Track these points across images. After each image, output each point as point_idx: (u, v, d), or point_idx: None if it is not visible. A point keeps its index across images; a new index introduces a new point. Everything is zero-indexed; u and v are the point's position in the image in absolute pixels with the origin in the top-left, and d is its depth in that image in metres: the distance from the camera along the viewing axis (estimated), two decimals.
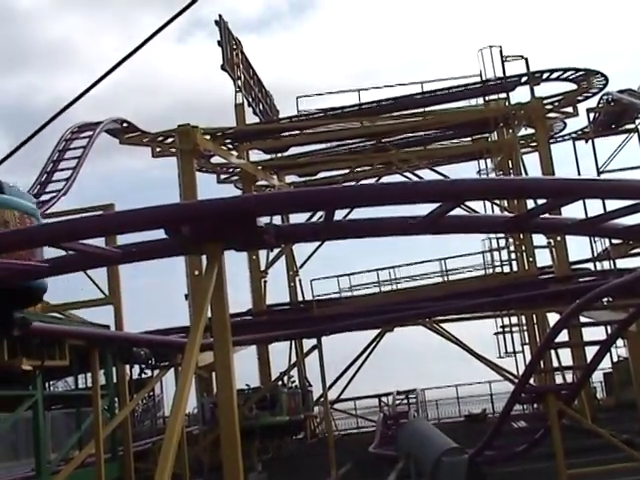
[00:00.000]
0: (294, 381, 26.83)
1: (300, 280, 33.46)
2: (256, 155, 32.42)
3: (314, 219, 20.38)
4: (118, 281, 20.28)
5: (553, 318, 23.61)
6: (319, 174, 35.26)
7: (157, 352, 16.62)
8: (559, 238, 26.63)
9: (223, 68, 29.20)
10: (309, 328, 19.98)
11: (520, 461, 14.14)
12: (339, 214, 7.95)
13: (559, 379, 23.70)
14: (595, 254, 26.04)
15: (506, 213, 24.11)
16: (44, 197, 22.78)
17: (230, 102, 30.72)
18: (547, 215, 8.38)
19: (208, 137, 27.78)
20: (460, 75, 29.88)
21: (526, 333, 28.94)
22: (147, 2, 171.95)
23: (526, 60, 28.95)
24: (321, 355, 18.09)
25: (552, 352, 22.04)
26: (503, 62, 28.80)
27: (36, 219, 9.63)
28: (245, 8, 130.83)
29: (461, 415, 33.31)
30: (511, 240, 29.12)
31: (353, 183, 30.44)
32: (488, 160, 30.56)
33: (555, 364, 22.95)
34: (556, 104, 30.42)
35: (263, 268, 31.93)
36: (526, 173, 29.23)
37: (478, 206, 25.25)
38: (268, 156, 33.04)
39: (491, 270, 30.26)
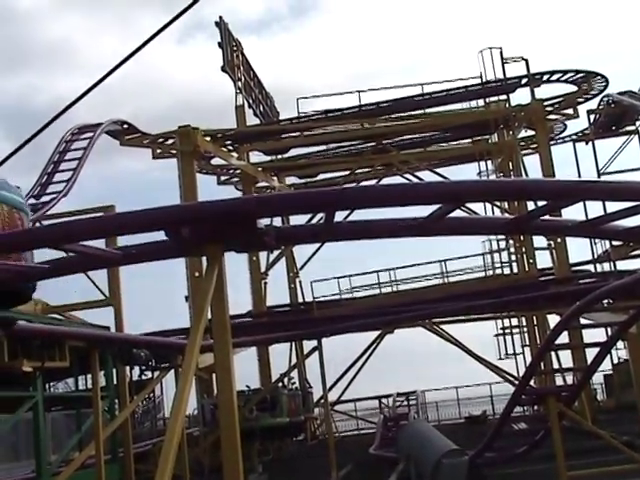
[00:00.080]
0: (294, 383, 26.86)
1: (300, 282, 33.51)
2: (256, 157, 32.47)
3: (314, 221, 20.39)
4: (118, 283, 20.28)
5: (553, 320, 23.60)
6: (319, 176, 35.31)
7: (157, 354, 16.63)
8: (559, 240, 26.64)
9: (223, 69, 29.22)
10: (309, 330, 19.97)
11: (520, 463, 14.12)
12: (339, 216, 7.95)
13: (559, 381, 23.71)
14: (595, 256, 26.05)
15: (506, 215, 24.10)
16: (44, 198, 22.76)
17: (230, 103, 30.77)
18: (547, 217, 8.37)
19: (208, 138, 27.80)
20: (460, 77, 29.95)
21: (526, 335, 28.97)
22: (147, 3, 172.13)
23: (526, 62, 29.01)
24: (321, 357, 18.09)
25: (552, 354, 22.09)
26: (503, 64, 28.87)
27: (25, 214, 9.38)
28: (245, 9, 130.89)
29: (461, 417, 33.32)
30: (511, 242, 29.15)
31: (353, 185, 30.43)
32: (488, 162, 30.59)
33: (555, 366, 23.01)
34: (556, 106, 30.44)
35: (263, 270, 31.94)
36: (526, 175, 29.24)
37: (478, 208, 25.27)
38: (268, 158, 33.06)
39: (491, 272, 30.27)
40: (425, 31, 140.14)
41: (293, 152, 33.36)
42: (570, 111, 30.58)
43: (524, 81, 29.35)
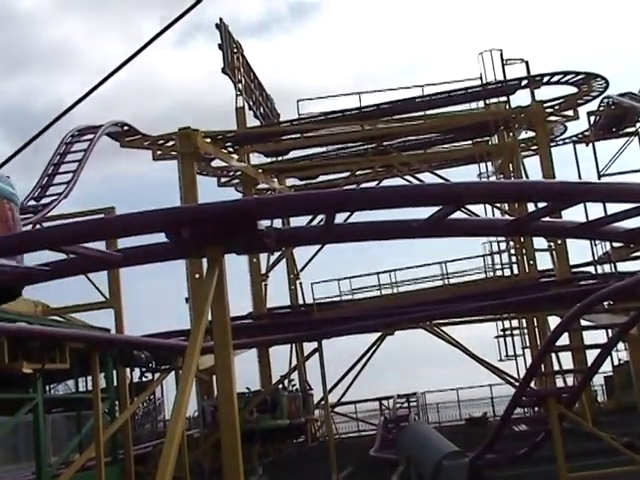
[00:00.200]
0: (295, 384, 26.85)
1: (301, 283, 33.51)
2: (257, 158, 32.50)
3: (315, 222, 20.38)
4: (119, 284, 20.29)
5: (554, 321, 23.59)
6: (320, 177, 35.32)
7: (158, 355, 16.65)
8: (560, 241, 26.64)
9: (224, 71, 29.24)
10: (310, 331, 19.96)
11: (521, 464, 14.10)
12: (340, 217, 7.95)
13: (560, 382, 23.72)
14: (596, 257, 26.00)
15: (507, 216, 24.10)
16: (45, 200, 22.78)
17: (231, 104, 30.80)
18: (548, 218, 8.37)
19: (209, 140, 27.79)
20: (461, 78, 29.97)
21: (527, 336, 28.97)
22: (147, 5, 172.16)
23: (526, 63, 29.04)
24: (322, 358, 18.09)
25: (553, 355, 22.07)
26: (503, 65, 28.89)
27: (15, 204, 9.29)
28: (245, 11, 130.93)
29: (462, 418, 33.30)
30: (512, 243, 29.15)
31: (354, 186, 30.42)
32: (489, 163, 30.60)
33: (556, 367, 22.98)
34: (557, 107, 30.46)
35: (264, 271, 31.95)
36: (527, 176, 29.24)
37: (479, 209, 25.26)
38: (269, 159, 33.06)
39: (492, 273, 30.30)
40: (426, 33, 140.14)
41: (293, 154, 33.38)
42: (570, 113, 30.59)
43: (524, 83, 29.38)
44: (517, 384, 22.69)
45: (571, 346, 19.57)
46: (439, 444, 13.89)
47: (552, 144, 31.57)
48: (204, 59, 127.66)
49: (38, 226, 19.96)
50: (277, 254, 30.90)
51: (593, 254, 26.05)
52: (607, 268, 25.19)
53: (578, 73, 29.42)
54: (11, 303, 10.52)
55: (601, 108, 29.21)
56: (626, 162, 28.04)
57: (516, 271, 29.20)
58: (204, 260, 7.50)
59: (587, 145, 28.51)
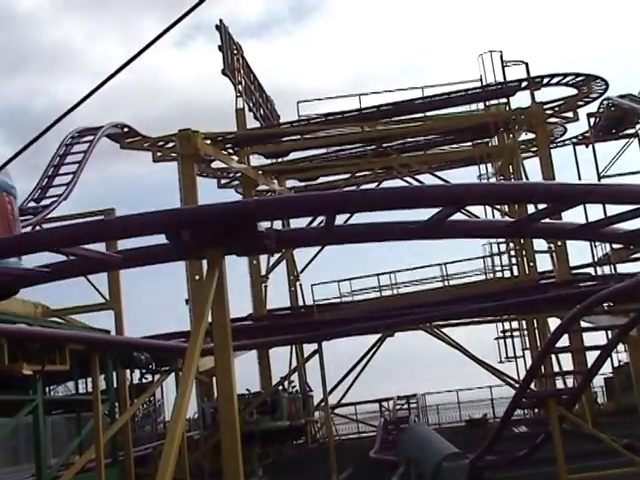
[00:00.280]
0: (295, 386, 26.82)
1: (301, 285, 33.50)
2: (257, 160, 32.50)
3: (315, 224, 20.39)
4: (119, 286, 20.30)
5: (554, 323, 23.59)
6: (320, 179, 35.30)
7: (158, 357, 16.63)
8: (560, 243, 26.63)
9: (224, 73, 29.24)
10: (310, 333, 19.96)
11: (521, 466, 14.10)
12: (340, 219, 7.96)
13: (560, 384, 23.69)
14: (596, 259, 26.02)
15: (507, 218, 24.10)
16: (45, 202, 22.79)
17: (231, 106, 30.80)
18: (548, 220, 8.37)
19: (209, 142, 27.79)
20: (460, 80, 29.96)
21: (527, 338, 28.93)
22: (147, 6, 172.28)
23: (526, 65, 29.02)
24: (322, 360, 18.09)
25: (553, 357, 22.03)
26: (503, 67, 28.87)
27: (13, 197, 9.27)
28: (245, 11, 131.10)
29: (462, 420, 33.26)
30: (512, 245, 29.14)
31: (354, 188, 30.45)
32: (489, 165, 30.59)
33: (556, 369, 22.95)
34: (556, 109, 30.45)
35: (264, 273, 31.94)
36: (527, 178, 29.24)
37: (479, 211, 25.28)
38: (269, 161, 33.06)
39: (492, 275, 30.30)
40: (426, 34, 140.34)
41: (293, 155, 33.36)
42: (570, 114, 30.59)
43: (524, 84, 29.37)
44: (517, 386, 22.67)
45: (571, 347, 19.55)
46: (439, 445, 13.89)
47: (552, 146, 31.57)
48: (204, 60, 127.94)
49: (38, 227, 19.98)
50: (277, 255, 30.91)
51: (593, 256, 26.10)
52: (607, 270, 25.23)
53: (578, 75, 29.42)
54: (11, 304, 10.52)
55: (601, 110, 29.23)
56: (626, 164, 28.11)
57: (516, 273, 29.18)
58: (204, 262, 7.51)
59: (587, 147, 28.56)
